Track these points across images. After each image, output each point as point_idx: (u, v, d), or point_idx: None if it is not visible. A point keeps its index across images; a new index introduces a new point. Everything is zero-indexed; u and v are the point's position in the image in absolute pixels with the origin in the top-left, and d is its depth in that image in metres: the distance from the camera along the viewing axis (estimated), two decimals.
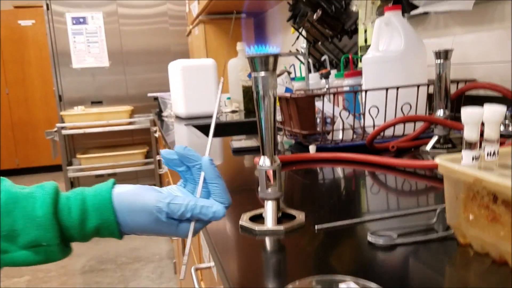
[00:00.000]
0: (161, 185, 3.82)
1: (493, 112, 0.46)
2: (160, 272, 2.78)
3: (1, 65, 5.63)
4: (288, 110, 1.12)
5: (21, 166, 5.96)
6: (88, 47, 3.82)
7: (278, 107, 1.24)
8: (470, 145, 0.47)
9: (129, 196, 0.50)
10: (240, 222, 0.58)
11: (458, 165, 0.45)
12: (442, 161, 0.47)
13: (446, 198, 0.49)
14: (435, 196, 0.70)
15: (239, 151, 1.17)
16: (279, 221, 0.58)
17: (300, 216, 0.58)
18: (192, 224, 0.50)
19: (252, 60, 0.54)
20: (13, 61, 5.68)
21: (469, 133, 0.46)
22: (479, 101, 1.06)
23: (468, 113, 0.46)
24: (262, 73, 0.55)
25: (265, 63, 0.54)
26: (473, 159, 0.46)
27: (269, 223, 0.56)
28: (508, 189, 0.38)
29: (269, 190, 0.57)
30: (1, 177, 0.50)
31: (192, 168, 0.52)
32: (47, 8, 3.74)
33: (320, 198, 0.74)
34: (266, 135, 0.57)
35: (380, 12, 1.20)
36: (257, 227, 0.56)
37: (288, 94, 1.06)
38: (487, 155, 0.47)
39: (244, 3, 2.57)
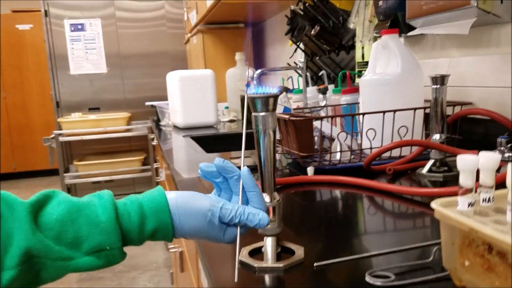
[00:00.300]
0: None
1: (488, 160, 0.47)
2: (158, 281, 2.79)
3: None
4: (286, 130, 1.13)
5: (18, 170, 5.95)
6: (86, 54, 3.82)
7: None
8: (466, 191, 0.48)
9: (186, 200, 0.54)
10: (240, 258, 0.59)
11: (454, 213, 0.46)
12: (438, 206, 0.48)
13: (442, 241, 0.50)
14: (432, 225, 0.71)
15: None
16: (278, 256, 0.59)
17: (299, 252, 0.59)
18: (238, 229, 0.54)
19: (253, 100, 0.55)
20: (10, 65, 5.67)
21: (465, 180, 0.47)
22: (475, 123, 1.08)
23: (463, 160, 0.47)
24: (263, 113, 0.56)
25: (265, 104, 0.55)
26: (469, 205, 0.48)
27: (269, 260, 0.57)
28: (502, 243, 0.39)
29: (269, 226, 0.58)
30: (56, 190, 0.52)
31: (229, 179, 0.56)
32: (45, 15, 3.74)
33: (318, 227, 0.75)
34: (266, 172, 0.58)
35: (378, 32, 1.22)
36: (256, 264, 0.57)
37: (286, 116, 1.07)
38: (483, 201, 0.48)
39: (247, 15, 2.58)
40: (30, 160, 5.91)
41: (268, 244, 0.58)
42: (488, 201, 0.48)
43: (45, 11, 3.74)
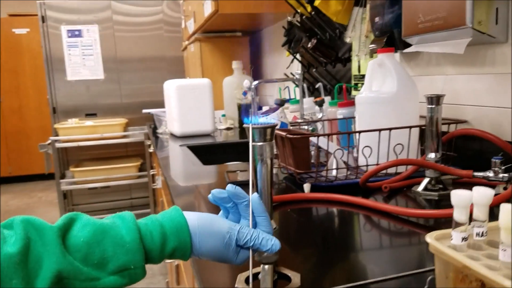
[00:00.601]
0: (154, 198, 3.82)
1: (482, 195, 0.47)
2: None
3: None
4: (283, 146, 1.14)
5: (14, 174, 5.94)
6: (83, 60, 3.82)
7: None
8: (460, 226, 0.49)
9: (207, 221, 0.57)
10: (236, 285, 0.60)
11: (448, 248, 0.47)
12: (433, 241, 0.49)
13: (436, 274, 0.51)
14: (427, 248, 0.72)
15: (235, 185, 1.19)
16: (275, 283, 0.59)
17: (295, 279, 0.60)
18: (251, 252, 0.56)
19: (251, 131, 0.56)
20: (7, 69, 5.66)
21: (459, 215, 0.48)
22: (470, 140, 1.09)
23: (457, 196, 0.48)
24: (260, 143, 0.56)
25: (263, 134, 0.56)
26: (462, 239, 0.48)
27: None
28: (494, 282, 0.40)
29: (266, 253, 0.59)
30: (79, 213, 0.55)
31: (239, 204, 0.58)
32: (42, 20, 3.73)
33: (314, 248, 0.75)
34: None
35: (373, 50, 1.23)
36: None
37: (283, 133, 1.08)
38: (476, 235, 0.49)
39: (245, 24, 2.59)
40: (26, 165, 5.89)
41: (265, 272, 0.59)
42: (482, 236, 0.49)
43: (42, 16, 3.73)
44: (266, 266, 0.59)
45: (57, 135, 3.61)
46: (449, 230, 0.50)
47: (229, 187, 0.58)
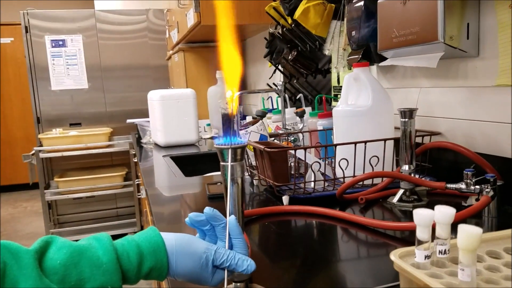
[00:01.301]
0: (140, 207, 3.80)
1: (444, 214, 0.49)
2: None
3: None
4: (262, 159, 1.15)
5: None
6: (67, 69, 3.80)
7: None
8: (423, 243, 0.50)
9: (184, 241, 0.58)
10: None
11: (410, 267, 0.48)
12: (396, 259, 0.50)
13: None
14: None
15: (215, 197, 1.20)
16: None
17: None
18: (226, 272, 0.57)
19: (221, 151, 0.57)
20: None
21: (421, 234, 0.49)
22: (444, 151, 1.11)
23: (420, 215, 0.49)
24: (231, 163, 0.57)
25: (233, 154, 0.57)
26: (425, 257, 0.50)
27: None
28: None
29: (236, 273, 0.60)
30: (54, 236, 0.55)
31: (217, 226, 0.59)
32: (26, 30, 3.71)
33: (290, 261, 0.76)
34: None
35: (351, 63, 1.25)
36: None
37: (262, 146, 1.09)
38: (439, 253, 0.51)
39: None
40: (10, 174, 5.84)
41: None
42: (444, 253, 0.50)
43: (26, 26, 3.71)
44: (239, 284, 0.60)
45: (41, 145, 3.58)
46: (413, 248, 0.52)
47: (207, 209, 0.59)
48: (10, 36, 5.59)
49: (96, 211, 3.99)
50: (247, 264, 0.57)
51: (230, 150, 0.57)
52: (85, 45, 3.82)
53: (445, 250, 0.50)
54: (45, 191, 3.60)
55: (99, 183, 3.68)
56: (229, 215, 0.59)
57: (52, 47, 3.75)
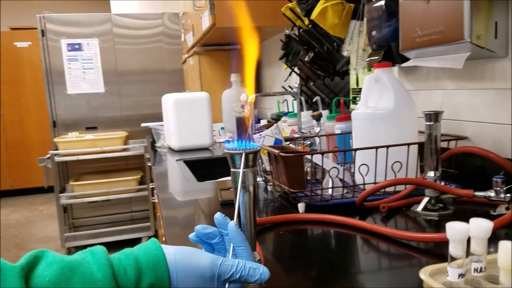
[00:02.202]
0: (154, 211, 3.78)
1: (480, 228, 0.44)
2: None
3: None
4: (277, 164, 1.10)
5: (15, 187, 5.92)
6: (83, 73, 3.80)
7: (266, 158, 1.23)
8: (456, 260, 0.45)
9: (184, 257, 0.52)
10: None
11: (442, 287, 0.43)
12: (427, 277, 0.45)
13: None
14: None
15: (227, 204, 1.15)
16: None
17: None
18: (239, 285, 0.52)
19: (231, 156, 0.53)
20: (8, 82, 5.67)
21: (455, 250, 0.44)
22: (471, 157, 1.05)
23: (453, 229, 0.44)
24: (242, 170, 0.53)
25: (245, 160, 0.52)
26: (459, 276, 0.44)
27: None
28: None
29: (250, 285, 0.55)
30: (45, 250, 0.50)
31: (226, 236, 0.55)
32: (42, 34, 3.73)
33: (307, 274, 0.71)
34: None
35: (371, 64, 1.19)
36: None
37: (276, 151, 1.05)
38: (474, 270, 0.45)
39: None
40: (26, 177, 5.88)
41: None
42: (480, 271, 0.45)
43: (42, 30, 3.72)
44: None
45: (57, 149, 3.58)
46: (444, 264, 0.47)
47: (218, 215, 0.55)
48: (27, 40, 5.64)
49: (111, 215, 3.98)
50: (260, 272, 0.52)
51: (241, 155, 0.52)
52: (101, 49, 3.83)
53: (480, 268, 0.45)
54: (60, 194, 3.60)
55: (114, 187, 3.67)
56: (238, 224, 0.54)
57: (68, 50, 3.76)
